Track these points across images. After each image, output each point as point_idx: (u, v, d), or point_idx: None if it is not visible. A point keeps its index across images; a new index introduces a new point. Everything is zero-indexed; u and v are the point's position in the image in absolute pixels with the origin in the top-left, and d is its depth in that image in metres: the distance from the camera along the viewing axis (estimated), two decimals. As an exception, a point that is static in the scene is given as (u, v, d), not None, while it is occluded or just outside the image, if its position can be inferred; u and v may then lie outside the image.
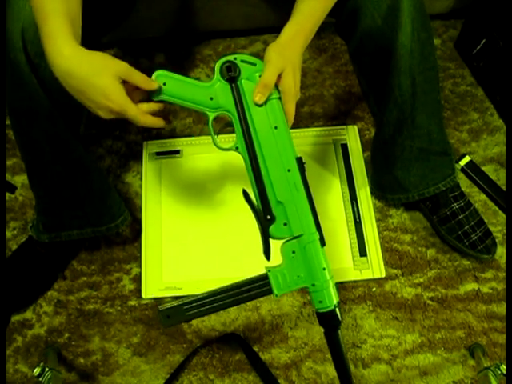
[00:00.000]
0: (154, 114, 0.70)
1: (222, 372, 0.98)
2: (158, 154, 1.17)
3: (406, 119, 0.92)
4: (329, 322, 0.72)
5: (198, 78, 0.72)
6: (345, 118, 1.22)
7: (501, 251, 1.07)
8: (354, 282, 1.05)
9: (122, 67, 0.65)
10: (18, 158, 1.15)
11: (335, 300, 0.71)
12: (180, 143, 1.18)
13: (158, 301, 1.04)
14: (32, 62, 0.75)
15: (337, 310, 0.71)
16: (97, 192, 0.97)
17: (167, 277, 1.05)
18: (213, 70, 0.70)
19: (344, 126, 1.20)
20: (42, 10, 0.65)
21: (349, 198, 1.13)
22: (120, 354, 1.00)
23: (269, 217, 0.70)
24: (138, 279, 1.06)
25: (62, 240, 0.99)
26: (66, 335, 1.01)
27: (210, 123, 0.71)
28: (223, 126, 0.73)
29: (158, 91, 0.68)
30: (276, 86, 0.69)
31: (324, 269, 0.70)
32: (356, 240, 1.09)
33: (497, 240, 1.05)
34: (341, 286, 1.04)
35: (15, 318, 1.03)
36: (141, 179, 1.15)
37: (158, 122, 0.70)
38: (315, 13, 0.74)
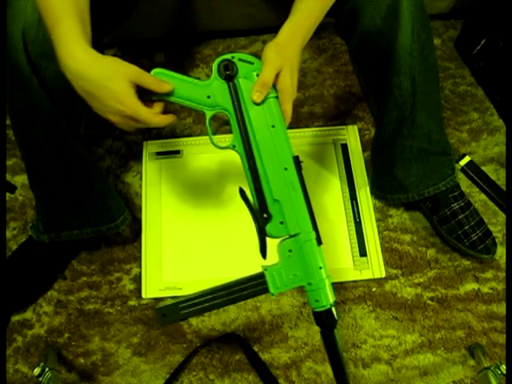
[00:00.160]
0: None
1: (222, 372, 0.98)
2: (158, 153, 1.17)
3: (406, 119, 0.92)
4: (325, 321, 0.72)
5: (197, 78, 0.72)
6: (345, 118, 1.22)
7: (501, 251, 1.07)
8: (354, 281, 1.05)
9: (134, 71, 0.65)
10: (17, 158, 1.15)
11: (331, 299, 0.71)
12: (180, 143, 1.18)
13: (158, 301, 1.04)
14: (33, 62, 0.75)
15: (333, 309, 0.71)
16: (97, 192, 0.97)
17: (167, 277, 1.05)
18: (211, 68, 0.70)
19: (344, 126, 1.20)
20: (52, 13, 0.65)
21: (349, 197, 1.13)
22: (120, 354, 1.00)
23: (265, 215, 0.70)
24: (138, 279, 1.06)
25: (62, 240, 0.99)
26: (66, 335, 1.01)
27: (207, 121, 0.71)
28: (220, 124, 0.73)
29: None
30: (273, 85, 0.69)
31: (320, 268, 0.70)
32: (356, 240, 1.09)
33: (497, 240, 1.05)
34: (341, 286, 1.05)
35: (15, 318, 1.03)
36: (141, 179, 1.15)
37: (169, 119, 0.70)
38: (313, 12, 0.75)
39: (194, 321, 1.02)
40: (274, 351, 1.00)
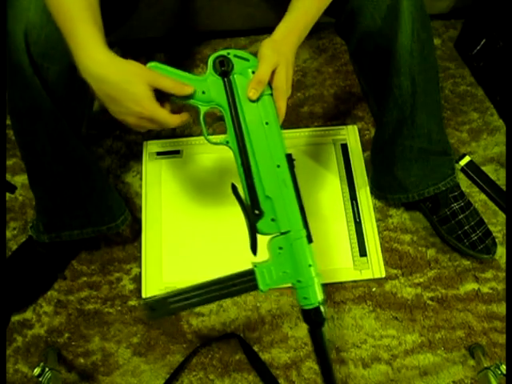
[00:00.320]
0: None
1: (222, 372, 0.98)
2: (158, 153, 1.17)
3: (406, 119, 0.92)
4: (313, 319, 0.71)
5: (192, 73, 0.72)
6: (345, 117, 1.22)
7: (501, 251, 1.07)
8: (354, 281, 1.05)
9: (153, 75, 0.66)
10: (17, 158, 1.15)
11: (320, 297, 0.70)
12: (180, 143, 1.18)
13: (158, 301, 1.04)
14: (35, 63, 0.75)
15: (321, 307, 0.70)
16: (98, 192, 0.97)
17: (167, 277, 1.05)
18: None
19: (344, 126, 1.20)
20: (66, 15, 0.65)
21: (349, 197, 1.13)
22: (120, 353, 1.00)
23: (257, 212, 0.69)
24: (138, 279, 1.06)
25: (62, 240, 0.99)
26: (66, 335, 1.01)
27: (201, 117, 0.71)
28: (214, 120, 0.73)
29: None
30: (268, 83, 0.69)
31: (310, 266, 0.70)
32: (356, 240, 1.09)
33: (497, 240, 1.05)
34: (341, 286, 1.05)
35: (15, 318, 1.03)
36: (141, 179, 1.15)
37: (184, 118, 0.70)
38: (310, 11, 0.75)
39: (193, 321, 1.02)
40: (273, 351, 1.00)
